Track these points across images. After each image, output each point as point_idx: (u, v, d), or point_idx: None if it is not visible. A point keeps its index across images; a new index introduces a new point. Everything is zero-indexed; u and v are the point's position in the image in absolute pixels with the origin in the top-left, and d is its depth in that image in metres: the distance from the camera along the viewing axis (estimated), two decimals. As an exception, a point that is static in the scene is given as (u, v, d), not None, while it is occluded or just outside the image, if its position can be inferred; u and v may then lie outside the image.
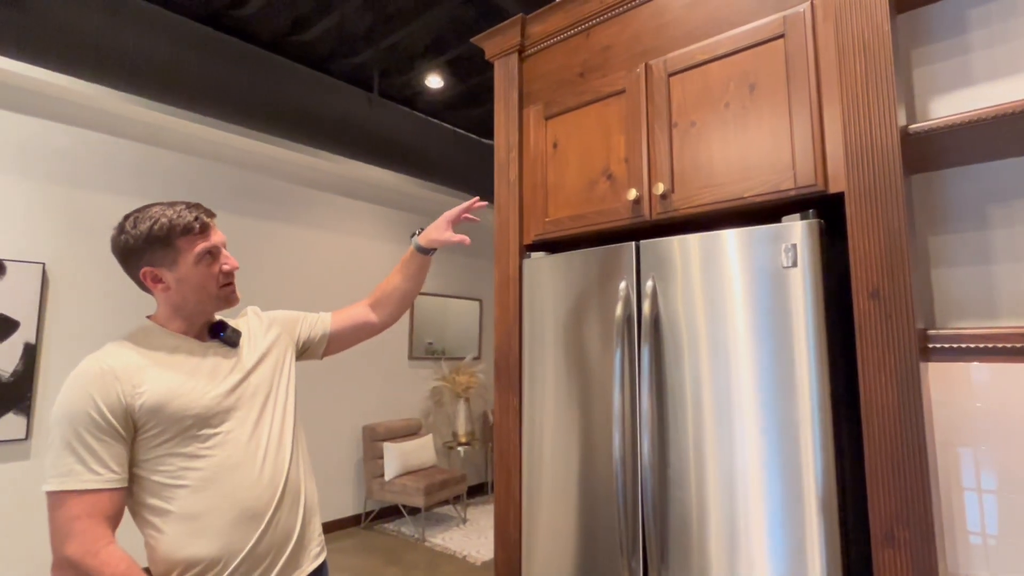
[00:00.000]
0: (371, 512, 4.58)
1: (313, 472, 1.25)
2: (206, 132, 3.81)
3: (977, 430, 1.25)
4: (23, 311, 3.06)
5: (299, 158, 4.34)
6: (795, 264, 1.15)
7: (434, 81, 4.29)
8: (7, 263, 3.02)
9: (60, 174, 3.26)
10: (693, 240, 1.29)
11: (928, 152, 1.24)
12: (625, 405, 1.34)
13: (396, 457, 4.32)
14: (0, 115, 3.06)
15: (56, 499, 0.91)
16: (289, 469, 1.12)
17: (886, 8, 1.11)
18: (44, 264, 3.15)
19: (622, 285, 1.38)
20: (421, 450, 4.50)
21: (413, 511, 4.78)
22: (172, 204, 1.08)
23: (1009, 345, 1.11)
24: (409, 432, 4.72)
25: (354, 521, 4.48)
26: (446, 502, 5.00)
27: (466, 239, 1.38)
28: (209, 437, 1.03)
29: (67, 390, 0.95)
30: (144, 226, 1.03)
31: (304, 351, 1.33)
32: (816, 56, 1.20)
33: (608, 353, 1.40)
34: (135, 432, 0.98)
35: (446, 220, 1.42)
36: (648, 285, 1.33)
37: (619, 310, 1.35)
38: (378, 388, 4.77)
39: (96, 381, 0.95)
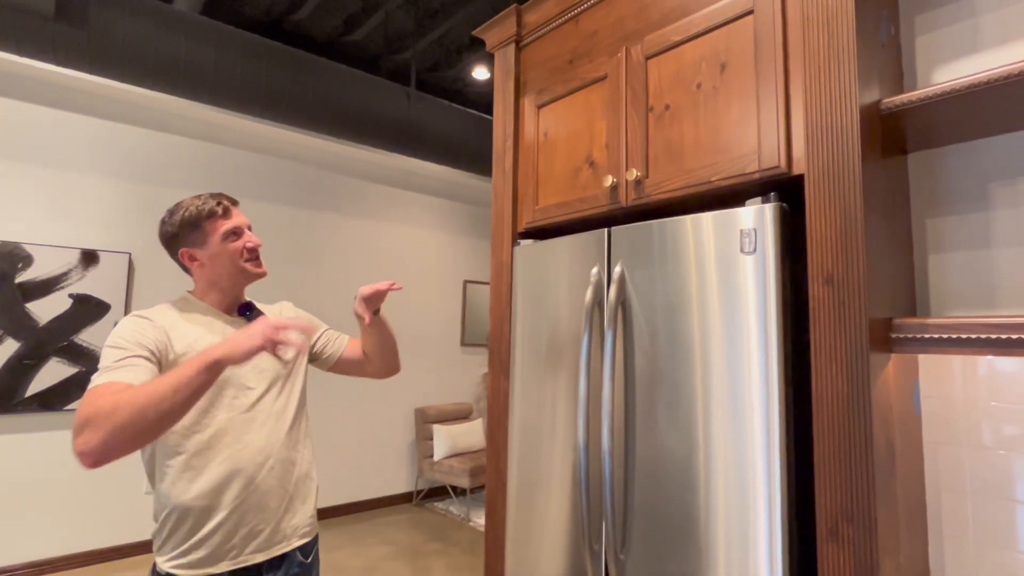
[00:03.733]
0: (422, 491, 4.79)
1: (314, 460, 1.34)
2: (263, 130, 4.11)
3: (964, 427, 1.16)
4: (113, 295, 3.47)
5: (353, 152, 4.57)
6: (754, 250, 1.11)
7: (481, 73, 4.36)
8: (100, 253, 3.44)
9: (141, 173, 3.65)
10: (658, 226, 1.27)
11: (924, 128, 1.15)
12: (592, 391, 1.36)
13: (445, 439, 4.48)
14: (89, 122, 3.47)
15: (87, 395, 0.95)
16: (284, 444, 1.23)
17: (853, -24, 1.04)
18: (130, 254, 3.55)
19: (594, 271, 1.39)
20: (469, 434, 4.64)
21: (461, 492, 4.95)
22: (199, 196, 1.24)
23: (995, 336, 1.01)
24: (460, 416, 4.87)
25: (406, 498, 4.71)
26: (497, 485, 5.12)
27: (362, 315, 1.36)
28: (221, 397, 1.16)
29: (117, 328, 1.09)
30: (178, 216, 1.21)
31: (313, 358, 1.44)
32: (785, 32, 1.14)
33: (579, 339, 1.41)
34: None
35: (360, 298, 1.38)
36: (616, 270, 1.33)
37: (589, 295, 1.36)
38: (431, 372, 4.96)
39: (140, 322, 1.12)
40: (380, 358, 1.43)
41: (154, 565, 1.14)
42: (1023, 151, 1.13)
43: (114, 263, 3.48)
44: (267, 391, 1.24)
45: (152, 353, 1.08)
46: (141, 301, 3.60)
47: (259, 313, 1.32)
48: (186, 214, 1.21)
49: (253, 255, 1.27)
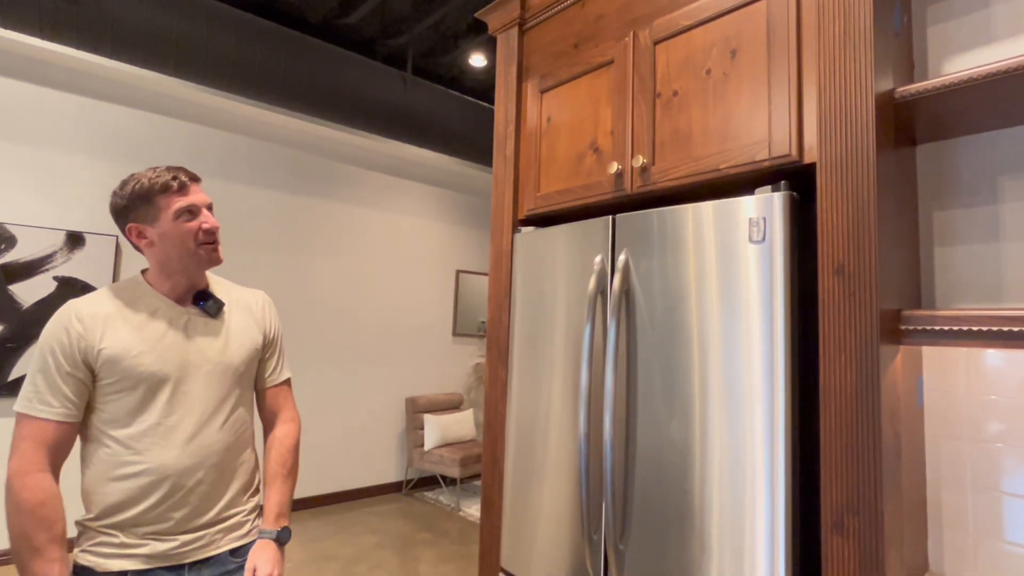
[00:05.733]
0: (412, 480, 4.78)
1: (256, 460, 1.27)
2: (256, 113, 4.04)
3: (965, 421, 1.15)
4: (99, 278, 3.40)
5: (347, 138, 4.51)
6: (764, 239, 1.09)
7: (477, 60, 4.31)
8: (86, 235, 3.36)
9: (131, 154, 3.57)
10: (664, 214, 1.25)
11: (935, 118, 1.14)
12: (594, 381, 1.34)
13: (435, 428, 4.46)
14: (76, 100, 3.38)
15: (17, 419, 1.03)
16: (221, 451, 1.15)
17: (871, -39, 1.02)
18: (117, 237, 3.48)
19: (597, 259, 1.36)
20: (460, 424, 4.62)
21: (450, 481, 4.94)
22: (156, 168, 1.14)
23: (1006, 328, 1.01)
24: (451, 406, 4.86)
25: (396, 488, 4.69)
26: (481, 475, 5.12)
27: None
28: (153, 398, 1.09)
29: (46, 326, 1.07)
30: (129, 187, 1.11)
31: None
32: (799, 18, 1.12)
33: (581, 328, 1.39)
34: (94, 377, 1.07)
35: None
36: (620, 259, 1.31)
37: (592, 284, 1.34)
38: (422, 362, 4.93)
39: (64, 322, 1.06)
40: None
41: (73, 562, 1.07)
42: (1034, 144, 1.12)
43: (100, 246, 3.41)
44: (206, 391, 1.14)
45: (71, 370, 1.05)
46: (128, 285, 3.53)
47: (217, 303, 1.20)
48: (137, 186, 1.10)
49: (210, 238, 1.15)
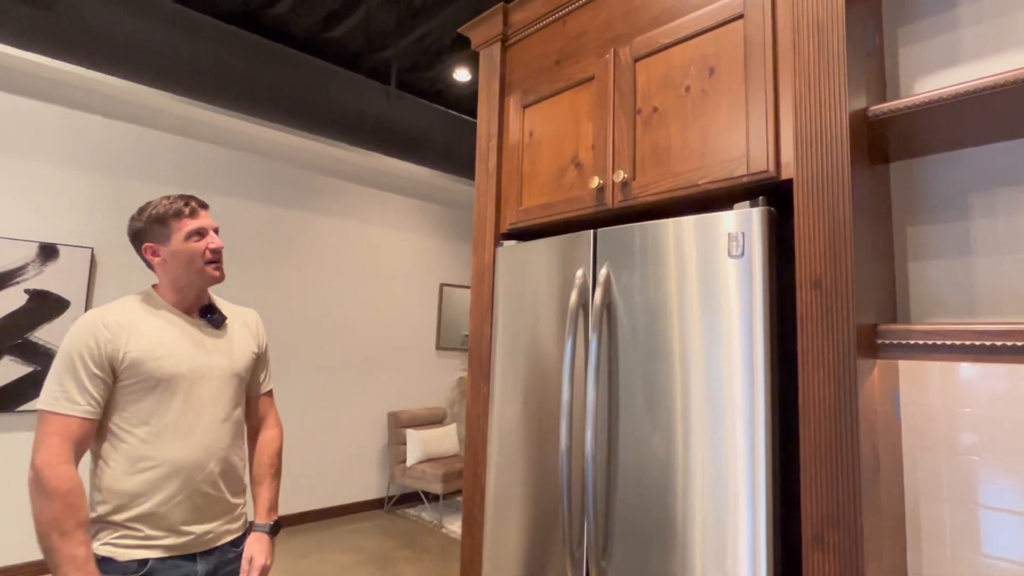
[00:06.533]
0: (394, 496, 4.70)
1: (246, 461, 1.41)
2: (238, 125, 4.00)
3: (941, 434, 1.17)
4: (74, 291, 3.32)
5: (330, 150, 4.49)
6: (743, 253, 1.10)
7: (461, 74, 4.34)
8: (60, 247, 3.29)
9: (107, 165, 3.52)
10: (645, 228, 1.26)
11: (907, 137, 1.17)
12: (576, 396, 1.33)
13: (418, 444, 4.41)
14: (51, 110, 3.33)
15: (42, 417, 1.12)
16: (227, 447, 1.29)
17: (843, -17, 1.05)
18: (92, 249, 3.41)
19: (579, 273, 1.37)
20: (443, 439, 4.58)
21: (433, 498, 4.88)
22: (169, 196, 1.29)
23: (978, 343, 1.03)
24: (433, 420, 4.81)
25: (377, 504, 4.62)
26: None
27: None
28: (171, 398, 1.21)
29: (71, 332, 1.17)
30: (147, 213, 1.27)
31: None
32: (775, 37, 1.15)
33: (562, 342, 1.39)
34: (115, 379, 1.18)
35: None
36: (602, 273, 1.31)
37: (573, 298, 1.34)
38: (404, 376, 4.89)
39: (92, 328, 1.16)
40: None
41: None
42: (1001, 162, 1.15)
43: (75, 258, 3.33)
44: (216, 394, 1.28)
45: (98, 372, 1.15)
46: (103, 298, 3.45)
47: (221, 316, 1.35)
48: (154, 211, 1.26)
49: (215, 257, 1.30)
